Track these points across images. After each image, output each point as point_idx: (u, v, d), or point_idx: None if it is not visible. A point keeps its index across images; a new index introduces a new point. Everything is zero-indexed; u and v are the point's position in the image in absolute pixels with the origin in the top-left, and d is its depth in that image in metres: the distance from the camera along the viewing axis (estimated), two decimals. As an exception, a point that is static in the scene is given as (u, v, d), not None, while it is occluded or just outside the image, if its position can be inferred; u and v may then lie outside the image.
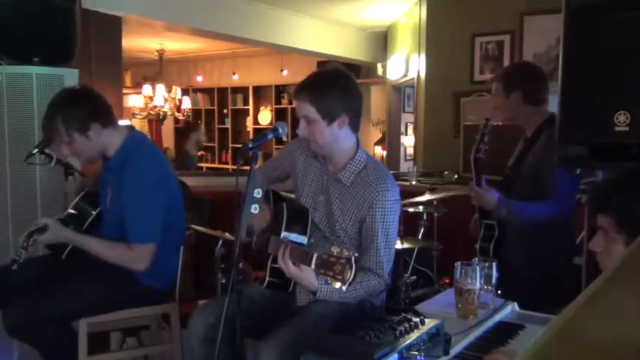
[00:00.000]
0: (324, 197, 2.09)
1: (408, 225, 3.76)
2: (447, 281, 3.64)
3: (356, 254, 1.58)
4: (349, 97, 2.02)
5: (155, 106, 7.97)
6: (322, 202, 2.09)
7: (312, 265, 1.64)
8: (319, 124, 1.98)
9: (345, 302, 2.01)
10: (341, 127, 2.01)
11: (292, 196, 2.24)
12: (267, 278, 1.97)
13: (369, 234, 1.99)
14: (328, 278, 1.58)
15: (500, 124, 2.55)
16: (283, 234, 1.95)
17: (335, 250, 1.59)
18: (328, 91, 1.98)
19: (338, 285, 1.56)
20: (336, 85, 2.00)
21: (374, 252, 1.99)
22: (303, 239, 1.97)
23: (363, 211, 1.99)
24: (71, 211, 2.48)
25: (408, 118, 7.02)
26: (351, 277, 1.54)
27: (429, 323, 1.47)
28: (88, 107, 2.31)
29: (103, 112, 2.35)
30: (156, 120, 8.86)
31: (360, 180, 2.03)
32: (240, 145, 3.05)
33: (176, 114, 8.54)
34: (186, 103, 8.62)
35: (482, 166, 2.43)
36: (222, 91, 10.04)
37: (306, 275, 1.79)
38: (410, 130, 6.93)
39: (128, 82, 8.96)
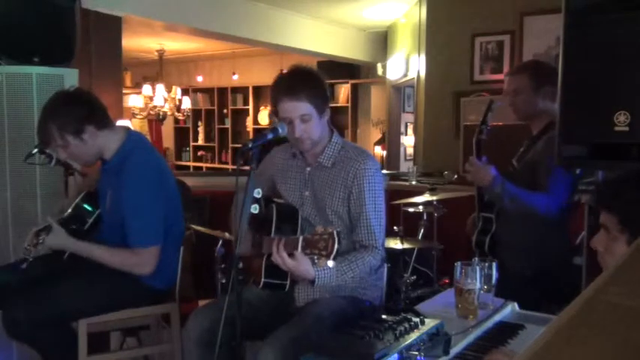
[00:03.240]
0: (310, 191, 2.13)
1: (408, 225, 3.77)
2: (447, 281, 3.64)
3: (338, 229, 1.64)
4: (326, 87, 2.14)
5: (155, 106, 7.97)
6: (308, 196, 2.13)
7: (299, 248, 1.68)
8: (314, 119, 2.03)
9: (344, 302, 2.01)
10: (325, 117, 2.09)
11: (281, 201, 2.25)
12: (262, 279, 1.96)
13: (358, 205, 2.04)
14: (315, 257, 1.63)
15: (502, 124, 2.54)
16: (273, 235, 1.96)
17: (320, 229, 1.65)
18: (317, 86, 2.06)
19: (324, 261, 1.61)
20: (319, 78, 2.10)
21: (364, 222, 2.03)
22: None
23: (349, 186, 2.05)
24: (71, 211, 2.48)
25: (408, 118, 7.02)
26: (335, 250, 1.60)
27: (429, 323, 1.47)
28: (81, 110, 2.29)
29: (98, 115, 2.34)
30: (156, 120, 8.86)
31: (341, 158, 2.10)
32: (240, 145, 3.05)
33: (176, 114, 8.54)
34: (186, 103, 8.62)
35: (483, 149, 2.42)
36: (222, 91, 10.03)
37: (303, 265, 1.80)
38: (410, 130, 6.93)
39: (128, 82, 8.96)
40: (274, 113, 2.11)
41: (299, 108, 2.01)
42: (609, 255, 1.35)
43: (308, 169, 2.15)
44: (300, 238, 1.70)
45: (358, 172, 2.04)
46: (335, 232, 1.62)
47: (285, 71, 2.14)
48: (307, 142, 2.06)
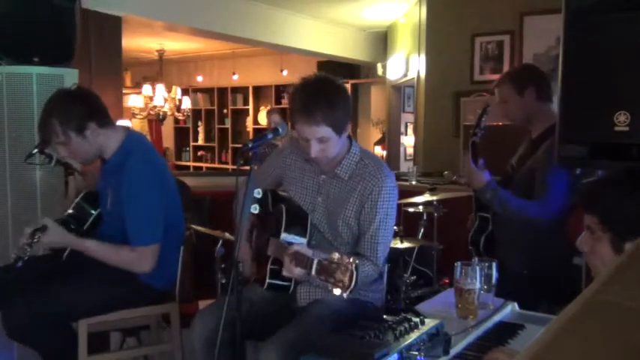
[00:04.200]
0: (322, 198, 2.09)
1: (408, 225, 3.76)
2: (447, 281, 3.64)
3: (357, 261, 1.55)
4: (349, 103, 2.02)
5: (155, 106, 7.97)
6: (320, 203, 2.09)
7: (313, 271, 1.63)
8: (333, 140, 1.95)
9: (345, 302, 2.01)
10: (345, 134, 2.01)
11: (286, 195, 2.23)
12: (267, 280, 1.96)
13: (367, 220, 2.00)
14: (329, 285, 1.56)
15: (501, 124, 2.55)
16: (283, 235, 1.94)
17: (336, 256, 1.56)
18: (337, 106, 1.93)
19: (338, 292, 1.53)
20: (339, 95, 1.96)
21: (370, 238, 2.00)
22: (302, 240, 1.96)
23: (363, 201, 2.00)
24: (71, 211, 2.48)
25: (408, 118, 7.03)
26: (353, 284, 1.51)
27: (429, 323, 1.47)
28: (84, 107, 2.30)
29: (100, 112, 2.34)
30: (156, 120, 8.87)
31: (359, 171, 2.04)
32: (240, 145, 3.05)
33: (176, 114, 8.55)
34: (186, 103, 8.63)
35: (478, 151, 2.44)
36: (222, 91, 10.04)
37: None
38: (410, 130, 6.93)
39: (128, 82, 8.97)
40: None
41: (316, 132, 1.91)
42: (594, 255, 1.35)
43: (323, 176, 2.10)
44: (315, 262, 1.61)
45: (375, 190, 1.98)
46: (354, 265, 1.52)
47: (303, 81, 1.98)
48: (323, 160, 2.01)
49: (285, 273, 1.81)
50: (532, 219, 2.30)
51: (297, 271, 1.76)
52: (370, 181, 2.00)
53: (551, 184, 2.27)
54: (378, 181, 1.99)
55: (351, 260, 1.53)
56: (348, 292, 1.52)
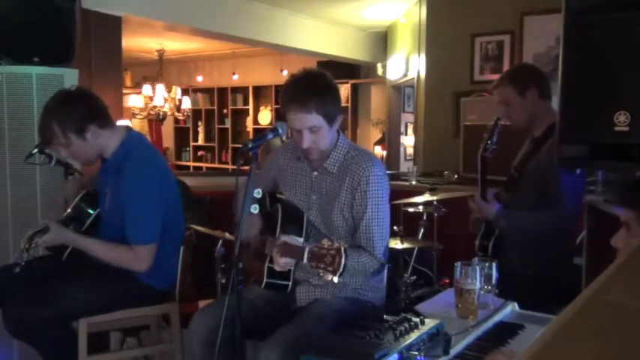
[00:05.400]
0: (316, 195, 2.10)
1: (408, 225, 3.76)
2: (447, 281, 3.64)
3: (345, 245, 1.60)
4: (339, 95, 2.08)
5: (155, 106, 7.97)
6: (314, 200, 2.11)
7: (305, 259, 1.66)
8: (324, 130, 1.98)
9: (345, 302, 2.01)
10: (336, 125, 2.04)
11: (284, 197, 2.24)
12: (264, 279, 1.97)
13: (360, 210, 2.01)
14: (320, 271, 1.61)
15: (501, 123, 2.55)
16: (278, 236, 1.95)
17: (326, 242, 1.62)
18: (328, 95, 1.99)
19: (329, 277, 1.59)
20: (331, 86, 2.03)
21: (364, 228, 2.01)
22: (299, 240, 1.97)
23: (354, 191, 2.02)
24: (70, 211, 2.48)
25: (408, 118, 7.02)
26: (342, 267, 1.57)
27: (429, 323, 1.47)
28: (84, 109, 2.30)
29: (100, 113, 2.34)
30: (156, 120, 8.87)
31: (346, 163, 2.06)
32: (240, 145, 3.05)
33: (176, 114, 8.55)
34: (186, 103, 8.62)
35: (488, 165, 2.44)
36: (222, 91, 10.04)
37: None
38: (410, 130, 6.93)
39: (128, 82, 8.97)
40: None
41: (308, 120, 1.95)
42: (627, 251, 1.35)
43: (315, 173, 2.12)
44: (306, 250, 1.66)
45: (363, 178, 2.00)
46: (342, 249, 1.58)
47: (294, 75, 2.03)
48: (315, 151, 2.02)
49: (276, 266, 1.83)
50: (554, 226, 2.32)
51: (284, 261, 1.79)
52: (357, 172, 2.02)
53: (565, 190, 2.28)
54: (365, 171, 2.01)
55: (340, 244, 1.59)
56: (337, 275, 1.58)
